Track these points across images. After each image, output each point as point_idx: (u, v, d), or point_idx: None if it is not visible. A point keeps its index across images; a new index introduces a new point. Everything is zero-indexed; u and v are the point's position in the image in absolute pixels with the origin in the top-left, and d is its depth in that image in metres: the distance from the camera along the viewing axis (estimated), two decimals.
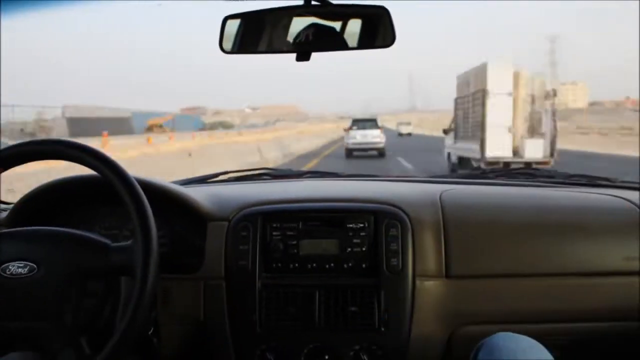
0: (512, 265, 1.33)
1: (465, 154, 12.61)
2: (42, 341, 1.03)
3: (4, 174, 1.13)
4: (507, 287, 1.34)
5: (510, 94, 11.05)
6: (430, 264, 1.32)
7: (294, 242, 1.34)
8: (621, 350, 1.40)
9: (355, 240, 1.33)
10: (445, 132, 14.61)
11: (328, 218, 1.36)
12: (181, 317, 1.36)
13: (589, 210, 1.43)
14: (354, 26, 1.26)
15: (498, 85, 11.00)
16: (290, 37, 1.26)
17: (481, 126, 11.19)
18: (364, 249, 1.33)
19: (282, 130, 46.26)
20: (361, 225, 1.34)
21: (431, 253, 1.33)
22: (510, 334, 1.11)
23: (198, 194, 1.44)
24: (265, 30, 1.29)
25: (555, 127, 11.09)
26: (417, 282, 1.31)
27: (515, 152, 11.18)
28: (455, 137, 13.57)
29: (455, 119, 13.82)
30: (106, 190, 1.07)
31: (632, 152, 17.08)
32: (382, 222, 1.33)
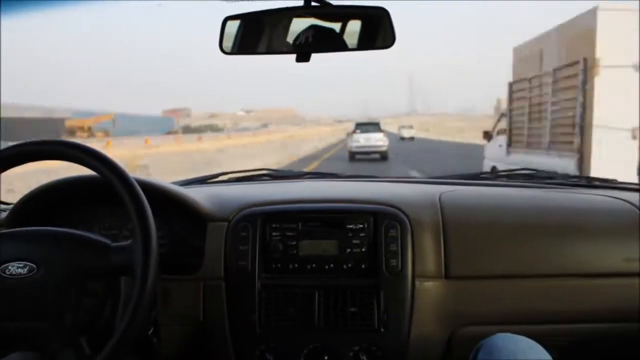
0: (511, 266, 1.33)
1: None
2: (42, 341, 1.03)
3: (4, 174, 1.13)
4: (506, 288, 1.34)
5: (637, 68, 6.04)
6: (430, 264, 1.32)
7: (294, 243, 1.34)
8: (621, 351, 1.39)
9: (354, 241, 1.33)
10: (488, 136, 10.00)
11: (328, 219, 1.36)
12: (181, 318, 1.36)
13: (589, 211, 1.43)
14: (354, 27, 1.26)
15: (615, 52, 6.02)
16: (290, 38, 1.26)
17: (579, 127, 6.56)
18: (363, 249, 1.33)
19: (270, 134, 44.19)
20: (361, 226, 1.34)
21: (431, 254, 1.33)
22: (510, 334, 1.11)
23: (198, 195, 1.44)
24: (265, 31, 1.29)
25: None
26: (417, 283, 1.31)
27: None
28: (510, 145, 8.89)
29: (509, 116, 9.07)
30: (106, 190, 1.07)
31: None
32: (381, 223, 1.33)
